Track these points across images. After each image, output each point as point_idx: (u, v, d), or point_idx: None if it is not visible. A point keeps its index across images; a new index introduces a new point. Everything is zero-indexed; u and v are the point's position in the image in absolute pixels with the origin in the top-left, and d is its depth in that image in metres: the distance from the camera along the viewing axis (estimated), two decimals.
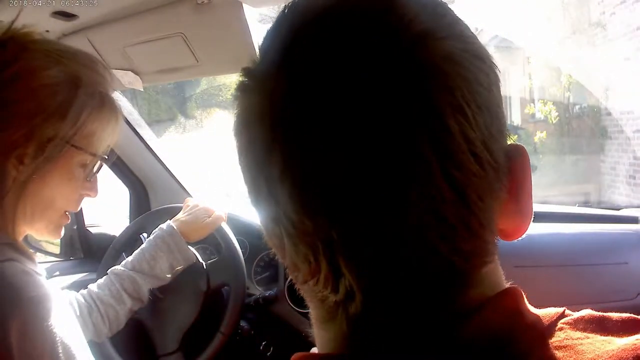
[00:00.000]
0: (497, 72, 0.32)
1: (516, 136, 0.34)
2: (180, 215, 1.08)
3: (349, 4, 0.29)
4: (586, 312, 0.32)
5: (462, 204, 0.28)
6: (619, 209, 1.52)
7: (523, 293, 0.32)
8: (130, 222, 1.29)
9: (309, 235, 0.29)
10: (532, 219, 0.34)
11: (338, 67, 0.28)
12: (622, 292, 1.18)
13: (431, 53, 0.28)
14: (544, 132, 6.18)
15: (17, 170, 0.65)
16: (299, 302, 1.19)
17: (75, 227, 1.35)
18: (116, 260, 1.11)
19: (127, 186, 1.52)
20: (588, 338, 0.30)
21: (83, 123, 0.69)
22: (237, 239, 1.13)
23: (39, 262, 0.75)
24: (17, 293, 0.59)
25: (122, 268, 0.99)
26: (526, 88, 6.88)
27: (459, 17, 0.32)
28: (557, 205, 1.61)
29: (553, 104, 6.15)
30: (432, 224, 0.28)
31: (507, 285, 0.34)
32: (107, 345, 1.03)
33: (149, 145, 1.45)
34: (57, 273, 1.32)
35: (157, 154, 1.48)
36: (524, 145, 0.34)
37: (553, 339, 0.30)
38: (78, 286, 1.00)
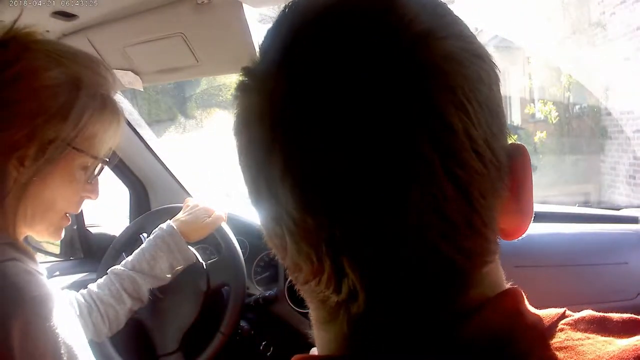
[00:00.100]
0: (497, 71, 0.32)
1: (516, 136, 0.34)
2: (180, 215, 1.08)
3: (349, 4, 0.29)
4: (587, 312, 0.32)
5: (464, 202, 0.28)
6: (619, 209, 1.52)
7: (523, 294, 0.32)
8: (130, 222, 1.29)
9: (311, 234, 0.29)
10: (533, 218, 0.34)
11: (338, 67, 0.28)
12: (622, 292, 1.18)
13: (432, 53, 0.28)
14: (544, 132, 6.18)
15: (17, 172, 0.65)
16: (299, 302, 1.19)
17: (75, 227, 1.35)
18: (116, 260, 1.11)
19: (127, 186, 1.52)
20: (589, 339, 0.30)
21: (84, 125, 0.68)
22: (237, 239, 1.12)
23: (39, 262, 0.74)
24: (20, 293, 0.59)
25: (122, 268, 0.99)
26: (526, 88, 6.88)
27: (459, 17, 0.32)
28: (557, 205, 1.61)
29: (553, 104, 6.15)
30: (434, 222, 0.28)
31: (508, 285, 0.34)
32: (107, 345, 1.03)
33: (149, 145, 1.45)
34: (57, 273, 1.32)
35: (157, 154, 1.48)
36: (525, 147, 0.34)
37: (553, 340, 0.30)
38: (78, 286, 1.00)
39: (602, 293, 1.18)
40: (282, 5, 0.32)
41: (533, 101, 6.70)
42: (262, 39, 0.33)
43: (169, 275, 1.01)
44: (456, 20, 0.31)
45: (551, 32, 5.34)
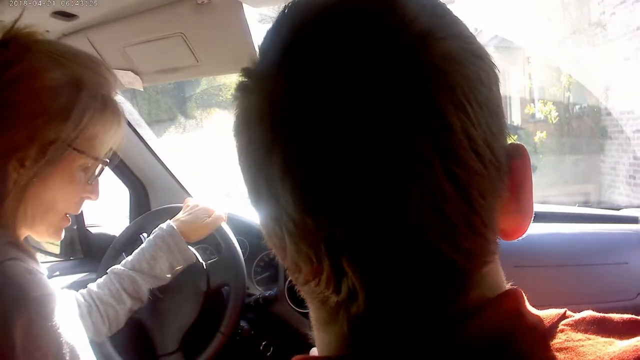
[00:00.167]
0: (497, 71, 0.32)
1: (516, 136, 0.34)
2: (180, 215, 1.08)
3: (348, 5, 0.29)
4: (587, 313, 0.32)
5: (464, 202, 0.28)
6: (619, 209, 1.52)
7: (524, 294, 0.32)
8: (130, 222, 1.29)
9: (311, 234, 0.29)
10: (533, 218, 0.34)
11: (338, 67, 0.28)
12: (622, 292, 1.18)
13: (431, 53, 0.28)
14: (544, 132, 6.18)
15: (18, 173, 0.65)
16: (299, 302, 1.19)
17: (75, 227, 1.35)
18: (116, 260, 1.11)
19: (127, 186, 1.52)
20: (589, 339, 0.30)
21: (85, 126, 0.68)
22: (237, 239, 1.12)
23: (40, 262, 0.74)
24: (22, 292, 0.59)
25: (122, 268, 0.99)
26: (526, 88, 6.87)
27: (458, 17, 0.32)
28: (557, 205, 1.61)
29: (553, 104, 6.15)
30: (433, 222, 0.28)
31: (508, 286, 0.34)
32: (107, 345, 1.03)
33: (149, 145, 1.45)
34: (57, 273, 1.32)
35: (157, 154, 1.48)
36: (525, 147, 0.34)
37: (554, 341, 0.30)
38: (78, 286, 1.00)
39: (602, 293, 1.18)
40: (282, 6, 0.32)
41: (533, 101, 6.70)
42: (262, 39, 0.33)
43: (169, 275, 1.01)
44: (456, 21, 0.31)
45: (551, 32, 5.34)
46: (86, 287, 0.97)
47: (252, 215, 1.31)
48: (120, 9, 0.94)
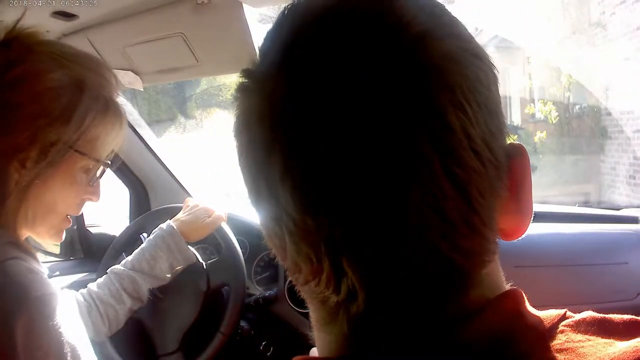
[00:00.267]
0: (496, 72, 0.32)
1: (516, 136, 0.34)
2: (180, 215, 1.08)
3: (347, 6, 0.30)
4: (587, 314, 0.32)
5: (463, 201, 0.28)
6: (619, 209, 1.52)
7: (524, 295, 0.32)
8: (130, 222, 1.29)
9: (310, 234, 0.29)
10: (532, 218, 0.34)
11: (338, 67, 0.28)
12: (622, 292, 1.18)
13: (430, 52, 0.28)
14: (544, 132, 6.18)
15: (19, 174, 0.65)
16: (299, 302, 1.19)
17: (75, 227, 1.35)
18: (116, 260, 1.11)
19: (127, 186, 1.52)
20: (589, 340, 0.30)
21: (87, 128, 0.68)
22: (237, 239, 1.12)
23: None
24: (24, 291, 0.59)
25: (122, 268, 0.99)
26: (526, 88, 6.88)
27: (456, 18, 0.32)
28: (557, 205, 1.61)
29: (553, 104, 6.15)
30: (433, 222, 0.28)
31: (508, 286, 0.34)
32: (107, 344, 1.03)
33: (149, 145, 1.45)
34: (57, 273, 1.32)
35: (157, 154, 1.48)
36: (524, 146, 0.34)
37: (554, 342, 0.30)
38: (78, 286, 1.00)
39: (602, 293, 1.18)
40: (282, 7, 0.32)
41: (533, 101, 6.70)
42: (262, 41, 0.33)
43: (169, 275, 1.01)
44: (454, 21, 0.31)
45: (551, 32, 5.34)
46: (86, 287, 0.97)
47: (252, 215, 1.31)
48: (120, 9, 0.94)
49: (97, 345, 0.98)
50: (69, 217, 0.74)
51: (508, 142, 0.33)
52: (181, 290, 1.07)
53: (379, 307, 0.30)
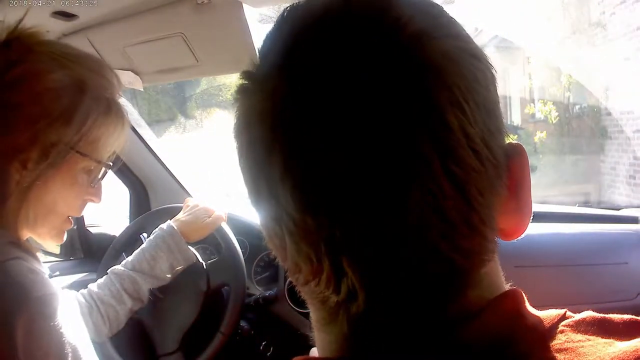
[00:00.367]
0: (494, 72, 0.32)
1: (516, 136, 0.34)
2: (180, 215, 1.08)
3: (346, 8, 0.30)
4: (587, 314, 0.32)
5: (462, 200, 0.28)
6: (619, 209, 1.52)
7: (524, 295, 0.32)
8: (130, 222, 1.29)
9: (311, 234, 0.29)
10: (532, 218, 0.34)
11: (338, 67, 0.28)
12: (622, 292, 1.18)
13: (429, 52, 0.28)
14: (544, 132, 6.18)
15: (20, 175, 0.64)
16: (299, 302, 1.19)
17: (75, 227, 1.35)
18: (116, 260, 1.11)
19: (127, 186, 1.52)
20: (589, 340, 0.30)
21: (88, 129, 0.67)
22: (237, 239, 1.12)
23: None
24: (24, 291, 0.59)
25: (122, 268, 0.99)
26: (526, 88, 6.87)
27: (454, 18, 0.32)
28: (557, 205, 1.61)
29: (553, 104, 6.15)
30: (433, 222, 0.28)
31: (508, 286, 0.34)
32: (108, 345, 1.03)
33: (149, 145, 1.45)
34: (58, 273, 1.32)
35: (157, 154, 1.48)
36: (523, 145, 0.34)
37: (554, 342, 0.30)
38: (78, 286, 1.00)
39: (602, 293, 1.18)
40: (282, 8, 0.32)
41: (533, 101, 6.70)
42: (262, 42, 0.33)
43: (169, 275, 1.02)
44: (452, 21, 0.31)
45: (551, 32, 5.34)
46: (86, 287, 0.97)
47: (252, 215, 1.31)
48: (120, 9, 0.94)
49: (98, 346, 0.98)
50: (70, 218, 0.74)
51: (507, 141, 0.33)
52: (181, 290, 1.07)
53: (378, 307, 0.30)
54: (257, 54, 0.33)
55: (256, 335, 1.21)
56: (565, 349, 0.29)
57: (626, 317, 0.31)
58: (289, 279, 1.20)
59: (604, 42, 5.02)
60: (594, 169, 5.63)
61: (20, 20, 0.67)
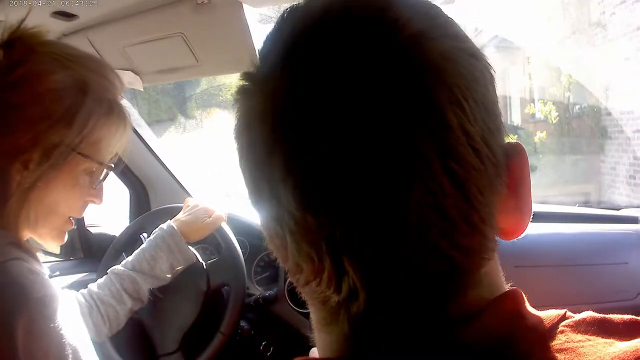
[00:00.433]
0: (492, 71, 0.32)
1: (516, 136, 0.35)
2: (180, 215, 1.08)
3: (346, 9, 0.30)
4: (587, 314, 0.32)
5: (462, 199, 0.28)
6: (619, 209, 1.52)
7: (524, 295, 0.32)
8: (130, 222, 1.29)
9: (312, 233, 0.29)
10: (532, 218, 0.34)
11: (338, 68, 0.28)
12: (622, 292, 1.18)
13: (428, 51, 0.28)
14: (544, 132, 6.18)
15: (21, 175, 0.64)
16: (299, 302, 1.19)
17: (75, 227, 1.34)
18: (116, 260, 1.11)
19: (127, 186, 1.52)
20: (589, 340, 0.30)
21: (90, 130, 0.67)
22: (237, 239, 1.12)
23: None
24: (24, 292, 0.59)
25: (122, 268, 0.99)
26: (526, 88, 6.87)
27: (452, 19, 0.32)
28: (557, 205, 1.61)
29: (553, 104, 6.15)
30: (433, 221, 0.28)
31: (508, 286, 0.34)
32: (107, 345, 1.03)
33: (149, 145, 1.45)
34: (57, 273, 1.32)
35: (157, 154, 1.48)
36: (522, 145, 0.34)
37: (554, 342, 0.30)
38: (78, 286, 1.00)
39: (602, 293, 1.18)
40: (282, 8, 0.32)
41: (533, 101, 6.70)
42: (262, 44, 0.33)
43: (169, 276, 1.01)
44: (450, 22, 0.32)
45: (551, 32, 5.34)
46: (86, 287, 0.97)
47: (252, 216, 1.31)
48: (120, 9, 0.94)
49: (98, 346, 0.98)
50: (71, 218, 0.74)
51: (506, 141, 0.33)
52: (181, 290, 1.07)
53: (379, 306, 0.30)
54: (257, 55, 0.33)
55: (256, 335, 1.21)
56: (566, 349, 0.29)
57: (626, 317, 0.31)
58: (289, 279, 1.20)
59: (604, 42, 5.02)
60: (594, 169, 5.63)
61: (23, 20, 0.66)
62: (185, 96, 9.32)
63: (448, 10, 0.33)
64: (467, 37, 0.32)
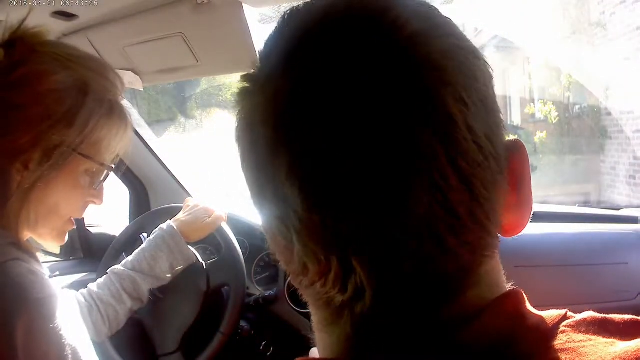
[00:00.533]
0: (490, 70, 0.33)
1: (516, 136, 0.35)
2: (180, 215, 1.08)
3: (346, 11, 0.30)
4: (588, 314, 0.32)
5: (468, 193, 0.29)
6: (619, 209, 1.52)
7: (525, 295, 0.33)
8: (130, 222, 1.29)
9: (318, 232, 0.29)
10: (532, 219, 0.34)
11: (339, 68, 0.28)
12: (622, 292, 1.18)
13: (429, 50, 0.29)
14: (544, 132, 6.18)
15: (21, 176, 0.64)
16: (299, 302, 1.19)
17: (75, 227, 1.34)
18: (116, 260, 1.11)
19: (127, 186, 1.52)
20: (590, 340, 0.30)
21: (91, 131, 0.67)
22: (237, 239, 1.12)
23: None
24: (24, 293, 0.59)
25: (122, 268, 0.99)
26: (526, 88, 6.87)
27: (450, 19, 0.33)
28: (557, 205, 1.61)
29: (553, 104, 6.15)
30: (440, 216, 0.28)
31: (508, 286, 0.34)
32: (107, 345, 1.03)
33: (149, 145, 1.45)
34: (57, 273, 1.31)
35: (157, 154, 1.48)
36: (522, 142, 0.34)
37: (555, 342, 0.30)
38: (78, 286, 1.00)
39: (602, 293, 1.18)
40: (282, 8, 0.32)
41: (533, 101, 6.70)
42: (263, 45, 0.33)
43: (169, 275, 1.02)
44: (448, 22, 0.32)
45: (551, 32, 5.34)
46: (86, 287, 0.97)
47: (252, 216, 1.31)
48: (120, 9, 0.94)
49: (98, 346, 0.98)
50: (72, 219, 0.74)
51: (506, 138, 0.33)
52: (181, 290, 1.07)
53: (384, 305, 0.30)
54: (258, 56, 0.33)
55: (256, 335, 1.21)
56: (567, 349, 0.29)
57: (627, 317, 0.31)
58: (289, 279, 1.20)
59: (604, 42, 5.02)
60: (594, 169, 5.63)
61: (23, 21, 0.66)
62: (185, 96, 9.32)
63: (448, 10, 0.33)
64: (465, 36, 0.32)
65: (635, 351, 0.28)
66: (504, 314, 0.31)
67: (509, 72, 6.69)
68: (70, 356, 0.60)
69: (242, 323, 1.19)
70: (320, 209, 0.29)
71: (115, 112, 0.71)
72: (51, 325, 0.59)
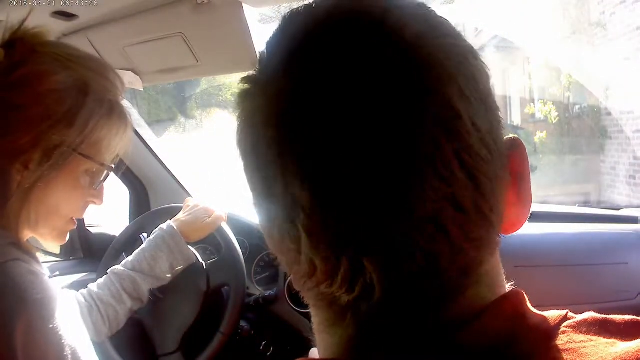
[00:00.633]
0: (488, 70, 0.33)
1: (516, 136, 0.35)
2: (180, 216, 1.08)
3: (347, 12, 0.31)
4: (589, 314, 0.32)
5: (474, 188, 0.29)
6: (619, 209, 1.52)
7: (525, 295, 0.33)
8: (130, 222, 1.29)
9: (329, 231, 0.29)
10: (532, 218, 0.34)
11: (342, 68, 0.29)
12: (622, 292, 1.18)
13: (430, 49, 0.29)
14: (544, 132, 6.18)
15: (22, 176, 0.64)
16: (299, 302, 1.19)
17: (75, 227, 1.34)
18: (116, 260, 1.11)
19: (127, 186, 1.52)
20: (591, 341, 0.30)
21: (91, 131, 0.67)
22: (237, 239, 1.12)
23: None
24: (24, 294, 0.59)
25: (122, 268, 0.99)
26: (526, 88, 6.87)
27: (448, 20, 0.33)
28: (557, 205, 1.61)
29: (553, 104, 6.15)
30: (447, 211, 0.28)
31: (508, 286, 0.34)
32: (107, 344, 1.03)
33: (148, 145, 1.45)
34: (57, 273, 1.31)
35: (157, 154, 1.48)
36: (520, 139, 0.35)
37: (556, 342, 0.30)
38: (78, 286, 1.00)
39: (602, 293, 1.18)
40: (282, 8, 0.33)
41: (533, 101, 6.70)
42: (264, 47, 0.34)
43: (169, 276, 1.01)
44: (446, 23, 0.33)
45: (551, 32, 5.34)
46: (86, 287, 0.97)
47: (252, 216, 1.31)
48: (120, 9, 0.94)
49: (98, 346, 0.98)
50: (73, 219, 0.74)
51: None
52: (181, 290, 1.07)
53: (391, 304, 0.30)
54: (258, 57, 0.33)
55: (256, 335, 1.21)
56: (568, 350, 0.29)
57: (628, 317, 0.32)
58: (289, 279, 1.20)
59: (604, 42, 5.02)
60: (594, 169, 5.63)
61: (24, 21, 0.66)
62: (185, 96, 9.32)
63: (448, 11, 0.33)
64: (463, 37, 0.33)
65: (636, 352, 0.28)
66: (505, 314, 0.31)
67: (509, 72, 6.69)
68: (69, 356, 0.60)
69: (242, 323, 1.19)
70: (331, 208, 0.29)
71: (115, 112, 0.71)
72: (50, 326, 0.59)
